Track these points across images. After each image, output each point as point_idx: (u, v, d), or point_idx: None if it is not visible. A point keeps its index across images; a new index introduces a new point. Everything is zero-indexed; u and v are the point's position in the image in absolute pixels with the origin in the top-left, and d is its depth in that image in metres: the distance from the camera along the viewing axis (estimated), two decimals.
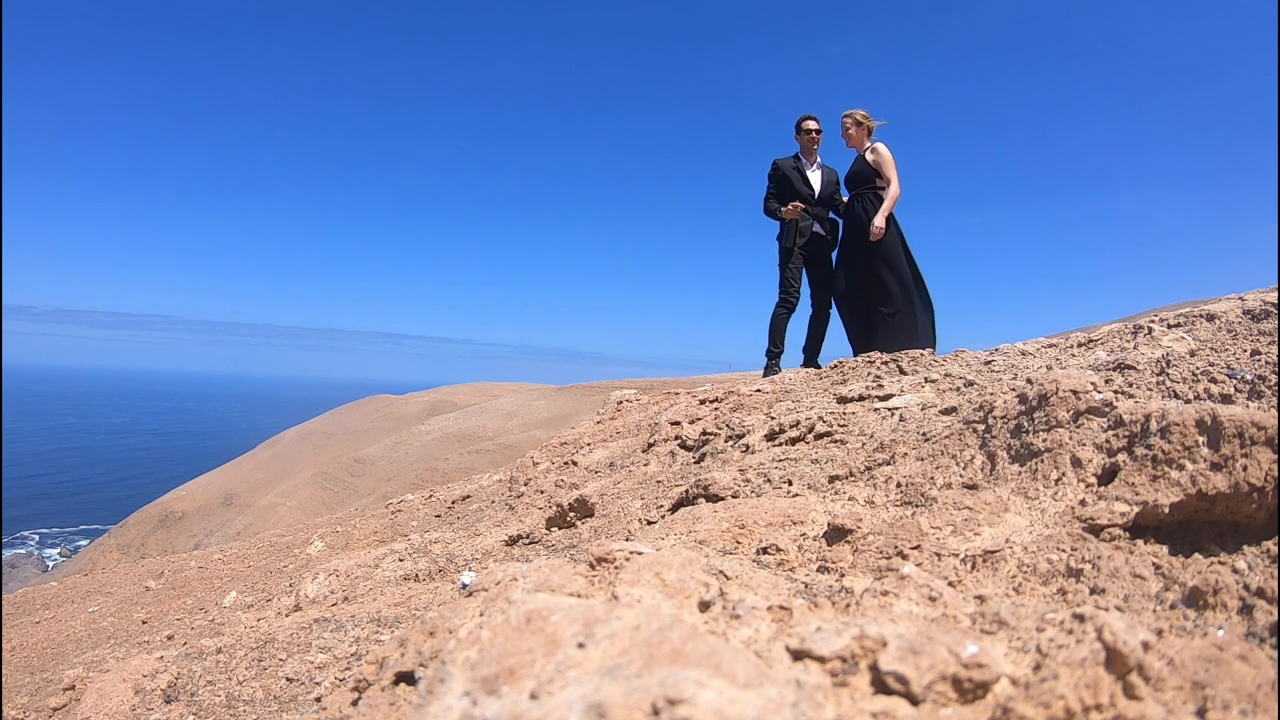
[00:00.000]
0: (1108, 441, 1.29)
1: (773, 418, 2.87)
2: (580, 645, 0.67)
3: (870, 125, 5.49)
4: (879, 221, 5.30)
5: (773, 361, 5.93)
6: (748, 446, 2.68)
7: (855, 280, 5.48)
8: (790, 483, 1.94)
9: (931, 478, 1.57)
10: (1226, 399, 1.50)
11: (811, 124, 5.78)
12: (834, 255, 5.80)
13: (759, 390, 3.99)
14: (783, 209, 5.75)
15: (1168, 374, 1.68)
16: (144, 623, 3.98)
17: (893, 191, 5.34)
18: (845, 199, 5.84)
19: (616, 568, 1.00)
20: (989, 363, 2.75)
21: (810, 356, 5.96)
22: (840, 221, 5.89)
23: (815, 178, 5.83)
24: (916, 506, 1.47)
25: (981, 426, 1.62)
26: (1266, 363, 1.61)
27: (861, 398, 2.69)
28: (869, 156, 5.43)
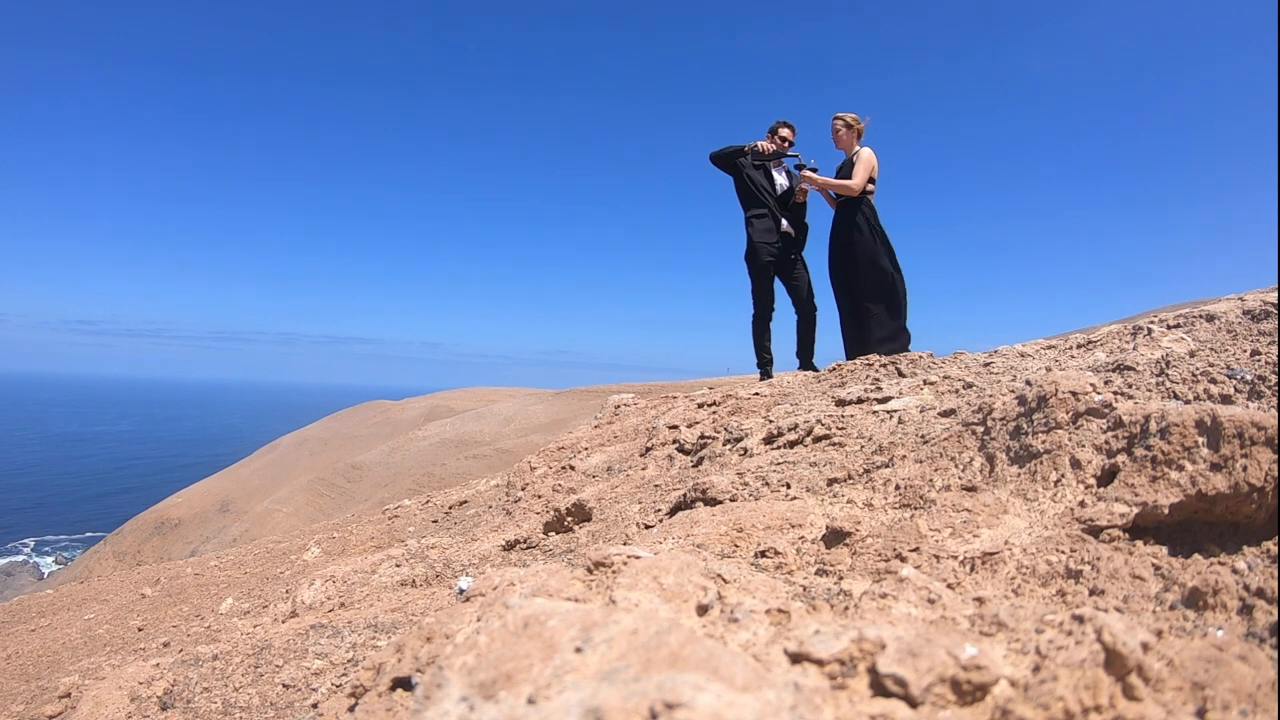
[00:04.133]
0: (1107, 443, 1.29)
1: (771, 421, 2.86)
2: (578, 650, 0.67)
3: (860, 128, 5.52)
4: (816, 179, 5.53)
5: (765, 370, 5.95)
6: (746, 450, 2.67)
7: (845, 282, 5.52)
8: (788, 486, 1.93)
9: (930, 480, 1.56)
10: (1226, 399, 1.50)
11: (786, 131, 5.92)
12: (829, 259, 5.83)
13: (757, 394, 3.99)
14: (759, 144, 5.86)
15: (1167, 375, 1.68)
16: (140, 630, 3.96)
17: (846, 184, 5.42)
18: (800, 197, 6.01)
19: (614, 572, 1.00)
20: (988, 364, 2.74)
21: (805, 360, 5.97)
22: (808, 223, 6.04)
23: (778, 176, 5.95)
24: (915, 509, 1.47)
25: (980, 428, 1.61)
26: (1266, 363, 1.61)
27: (860, 400, 2.69)
28: (854, 159, 5.48)
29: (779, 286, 5.98)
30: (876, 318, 5.34)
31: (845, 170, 5.51)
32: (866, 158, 5.40)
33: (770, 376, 5.77)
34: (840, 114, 5.53)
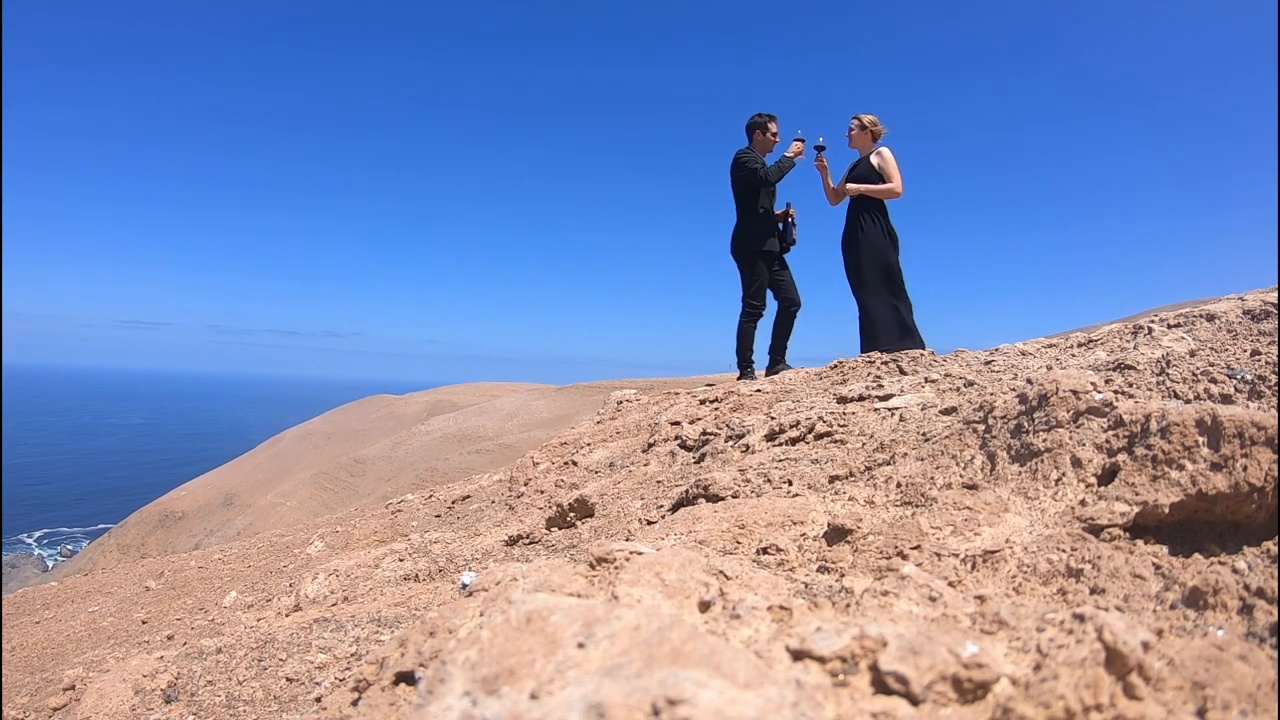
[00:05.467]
0: (1108, 441, 1.29)
1: (773, 418, 2.87)
2: (580, 645, 0.67)
3: (877, 131, 5.52)
4: (855, 186, 5.45)
5: (747, 371, 5.96)
6: (748, 446, 2.68)
7: (857, 280, 5.53)
8: (790, 483, 1.94)
9: (931, 478, 1.57)
10: (1226, 399, 1.50)
11: (774, 126, 5.85)
12: (843, 258, 5.82)
13: (759, 390, 3.99)
14: (788, 153, 5.82)
15: (1168, 374, 1.68)
16: (144, 623, 3.98)
17: (887, 186, 5.40)
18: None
19: (616, 568, 1.00)
20: (989, 363, 2.75)
21: (776, 357, 5.99)
22: (797, 225, 6.03)
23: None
24: (917, 506, 1.47)
25: (981, 427, 1.62)
26: (1266, 363, 1.61)
27: (861, 398, 2.69)
28: (874, 160, 5.46)
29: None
30: (884, 316, 5.36)
31: (862, 168, 5.51)
32: (892, 158, 5.42)
33: (753, 376, 5.81)
34: (859, 114, 5.53)
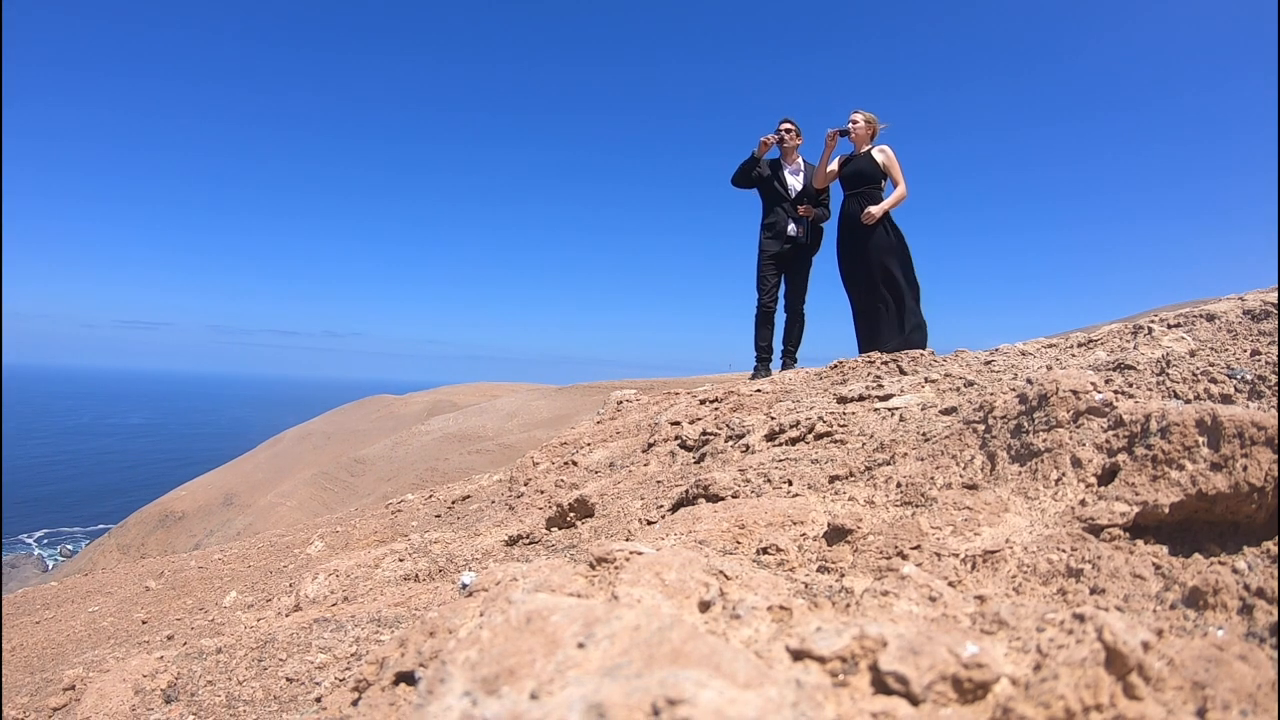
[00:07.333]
0: (1108, 441, 1.29)
1: (773, 418, 2.87)
2: (580, 645, 0.67)
3: (876, 127, 5.53)
4: (877, 210, 5.39)
5: (760, 363, 5.96)
6: (748, 446, 2.68)
7: (857, 278, 5.51)
8: (790, 483, 1.94)
9: (931, 478, 1.57)
10: (1226, 399, 1.50)
11: (787, 125, 5.87)
12: (838, 255, 5.81)
13: (759, 390, 3.99)
14: (764, 139, 5.82)
15: (1168, 374, 1.69)
16: (144, 623, 3.98)
17: (900, 192, 5.41)
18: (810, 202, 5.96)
19: (616, 568, 1.00)
20: (989, 363, 2.74)
21: (787, 358, 5.99)
22: (823, 226, 6.00)
23: (793, 180, 5.91)
24: (917, 506, 1.47)
25: (981, 427, 1.62)
26: (1266, 363, 1.61)
27: (861, 398, 2.69)
28: (878, 157, 5.46)
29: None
30: (890, 314, 5.34)
31: (861, 163, 5.49)
32: (896, 160, 5.43)
33: (767, 371, 5.80)
34: (858, 110, 5.54)
